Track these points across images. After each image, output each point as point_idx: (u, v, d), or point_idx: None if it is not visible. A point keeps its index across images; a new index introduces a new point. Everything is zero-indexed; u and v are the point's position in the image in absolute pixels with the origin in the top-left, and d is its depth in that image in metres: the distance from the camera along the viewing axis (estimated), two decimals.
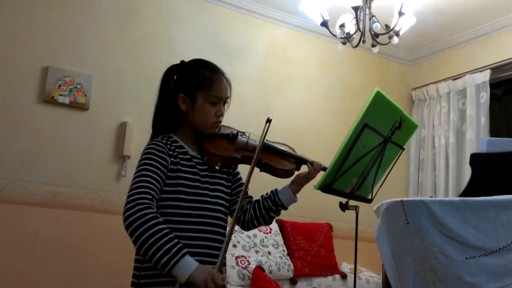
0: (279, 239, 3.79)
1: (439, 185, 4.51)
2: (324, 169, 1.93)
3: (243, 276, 3.39)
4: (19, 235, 3.20)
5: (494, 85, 4.36)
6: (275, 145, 1.95)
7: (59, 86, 3.42)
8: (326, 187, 1.80)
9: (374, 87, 1.77)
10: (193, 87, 1.79)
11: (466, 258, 1.66)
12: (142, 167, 1.69)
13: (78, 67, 3.52)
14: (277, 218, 3.81)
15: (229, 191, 1.89)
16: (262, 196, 1.96)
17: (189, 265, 1.58)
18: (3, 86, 3.30)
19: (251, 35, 4.27)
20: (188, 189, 1.74)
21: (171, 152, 1.75)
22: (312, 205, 4.09)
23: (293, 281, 3.67)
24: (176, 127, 1.84)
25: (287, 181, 1.94)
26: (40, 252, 3.22)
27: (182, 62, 1.87)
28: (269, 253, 3.62)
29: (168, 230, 1.60)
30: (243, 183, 1.92)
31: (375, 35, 3.59)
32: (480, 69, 4.39)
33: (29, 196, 3.27)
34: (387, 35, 3.59)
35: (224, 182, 1.87)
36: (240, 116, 3.87)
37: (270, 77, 4.30)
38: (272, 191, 1.94)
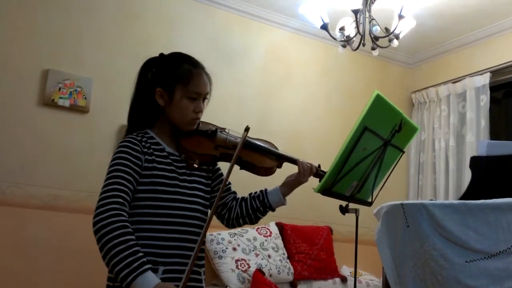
0: (279, 242, 3.78)
1: (439, 188, 4.51)
2: (316, 174, 1.86)
3: (243, 280, 3.38)
4: (19, 238, 3.19)
5: (494, 88, 4.36)
6: (256, 142, 1.86)
7: (59, 89, 3.42)
8: (326, 190, 1.80)
9: (374, 90, 1.77)
10: (171, 81, 1.71)
11: (466, 261, 1.66)
12: (114, 167, 1.63)
13: (78, 70, 3.52)
14: (277, 221, 3.91)
15: (208, 189, 1.80)
16: (250, 194, 1.87)
17: (148, 281, 1.48)
18: (3, 89, 3.30)
19: (251, 38, 4.28)
20: (166, 188, 1.66)
21: (145, 150, 1.69)
22: (312, 208, 4.10)
23: (293, 284, 3.66)
24: (153, 123, 1.77)
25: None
26: (40, 255, 3.21)
27: (161, 55, 1.79)
28: (269, 256, 3.62)
29: (134, 242, 1.52)
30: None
31: (375, 38, 3.60)
32: (480, 72, 4.39)
33: (29, 199, 3.27)
34: (387, 38, 3.59)
35: (203, 180, 1.78)
36: (240, 119, 3.89)
37: (270, 80, 4.31)
38: (261, 191, 1.86)
